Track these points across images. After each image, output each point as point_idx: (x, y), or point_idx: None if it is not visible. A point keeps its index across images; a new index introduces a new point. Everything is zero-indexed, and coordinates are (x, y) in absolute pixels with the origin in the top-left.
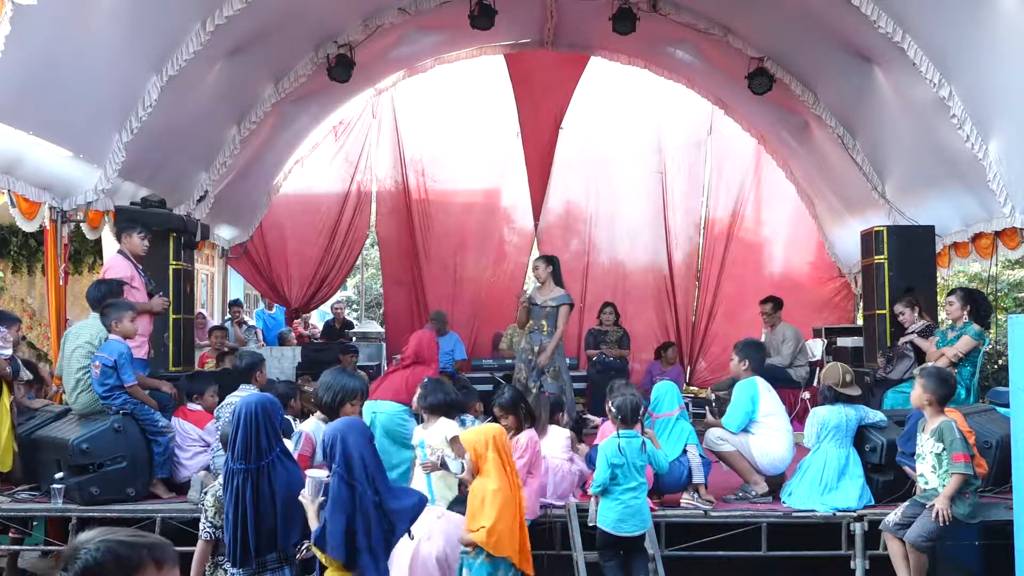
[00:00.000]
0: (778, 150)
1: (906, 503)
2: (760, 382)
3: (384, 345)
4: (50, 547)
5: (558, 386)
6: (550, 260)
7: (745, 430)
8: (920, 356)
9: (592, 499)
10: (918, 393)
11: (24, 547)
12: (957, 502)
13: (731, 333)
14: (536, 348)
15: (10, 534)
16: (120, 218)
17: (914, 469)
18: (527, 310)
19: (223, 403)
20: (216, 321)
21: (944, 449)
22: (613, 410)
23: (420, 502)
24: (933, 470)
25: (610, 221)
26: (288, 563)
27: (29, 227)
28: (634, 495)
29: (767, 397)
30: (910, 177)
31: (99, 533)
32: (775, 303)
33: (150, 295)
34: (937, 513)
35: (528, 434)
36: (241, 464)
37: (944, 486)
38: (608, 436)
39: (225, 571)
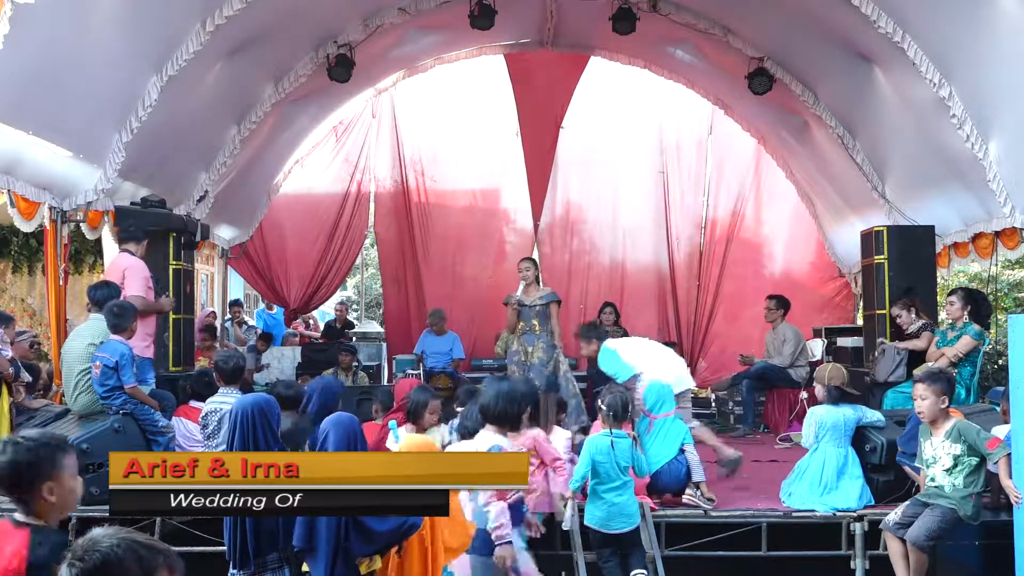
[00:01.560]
0: (778, 150)
1: (906, 503)
2: (615, 342)
3: (384, 345)
4: None
5: (550, 384)
6: (536, 262)
7: (637, 380)
8: (920, 356)
9: (569, 501)
10: (931, 401)
11: None
12: (964, 503)
13: (732, 333)
14: (530, 349)
15: None
16: (129, 227)
17: (914, 470)
18: (517, 312)
19: (207, 410)
20: (216, 321)
21: (964, 449)
22: (604, 408)
23: (404, 525)
24: (948, 472)
25: (610, 221)
26: (289, 563)
27: (27, 227)
28: (618, 493)
29: (628, 347)
30: (910, 177)
31: (115, 531)
32: (779, 301)
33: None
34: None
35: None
36: None
37: (955, 487)
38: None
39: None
